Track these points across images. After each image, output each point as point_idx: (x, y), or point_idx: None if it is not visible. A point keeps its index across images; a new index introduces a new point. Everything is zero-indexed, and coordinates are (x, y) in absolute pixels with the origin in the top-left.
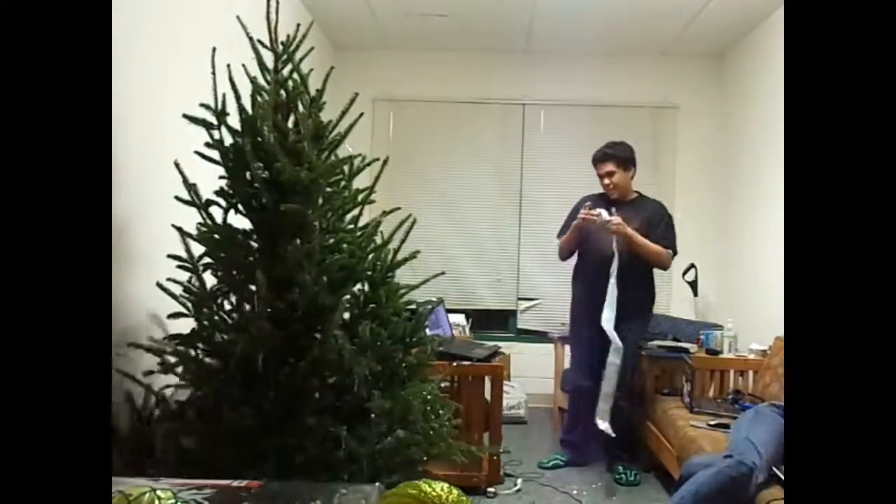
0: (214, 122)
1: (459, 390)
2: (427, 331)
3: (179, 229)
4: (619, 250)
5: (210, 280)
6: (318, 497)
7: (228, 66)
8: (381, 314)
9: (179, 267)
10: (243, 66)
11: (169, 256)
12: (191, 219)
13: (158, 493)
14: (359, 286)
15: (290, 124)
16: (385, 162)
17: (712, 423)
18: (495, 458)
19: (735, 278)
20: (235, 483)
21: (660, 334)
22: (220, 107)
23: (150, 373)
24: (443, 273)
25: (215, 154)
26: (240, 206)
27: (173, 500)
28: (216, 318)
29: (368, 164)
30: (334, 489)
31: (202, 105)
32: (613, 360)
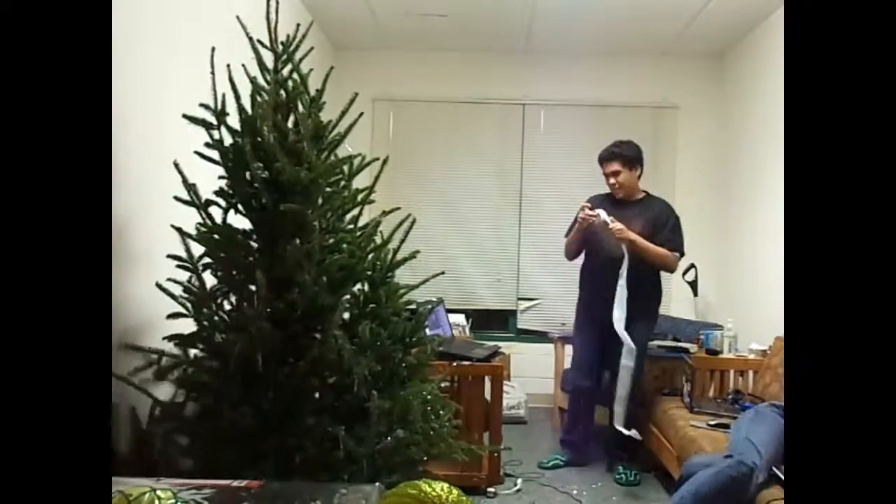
0: (214, 122)
1: (459, 390)
2: (427, 331)
3: (179, 229)
4: (630, 251)
5: (210, 280)
6: (318, 497)
7: (228, 66)
8: (381, 314)
9: (179, 267)
10: (243, 66)
11: (169, 256)
12: (191, 219)
13: (158, 493)
14: (359, 286)
15: (289, 124)
16: (385, 162)
17: (712, 423)
18: (495, 455)
19: (735, 278)
20: (235, 483)
21: (660, 334)
22: (219, 107)
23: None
24: (443, 273)
25: (215, 154)
26: (239, 206)
27: (173, 500)
28: (216, 318)
29: (368, 164)
30: (334, 489)
31: (202, 105)
32: (627, 362)
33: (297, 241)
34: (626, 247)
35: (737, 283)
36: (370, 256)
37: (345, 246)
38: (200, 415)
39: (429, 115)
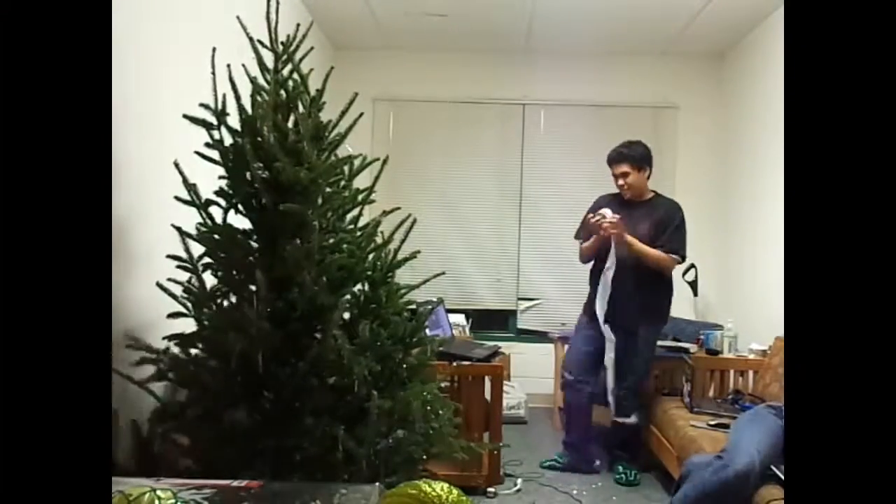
0: (214, 122)
1: (459, 390)
2: (427, 331)
3: (179, 229)
4: (618, 246)
5: (210, 280)
6: (317, 497)
7: (228, 66)
8: (381, 314)
9: (179, 267)
10: (243, 66)
11: (169, 256)
12: (191, 219)
13: (158, 493)
14: (359, 286)
15: (289, 124)
16: (385, 162)
17: (712, 423)
18: (495, 455)
19: (735, 278)
20: (235, 483)
21: (660, 334)
22: (220, 107)
23: (150, 370)
24: (443, 273)
25: (215, 154)
26: (240, 206)
27: (173, 500)
28: (216, 318)
29: (368, 164)
30: (334, 489)
31: (202, 105)
32: (611, 354)
33: (297, 240)
34: (616, 245)
35: (737, 283)
36: (370, 256)
37: (345, 246)
38: (200, 414)
39: (429, 115)
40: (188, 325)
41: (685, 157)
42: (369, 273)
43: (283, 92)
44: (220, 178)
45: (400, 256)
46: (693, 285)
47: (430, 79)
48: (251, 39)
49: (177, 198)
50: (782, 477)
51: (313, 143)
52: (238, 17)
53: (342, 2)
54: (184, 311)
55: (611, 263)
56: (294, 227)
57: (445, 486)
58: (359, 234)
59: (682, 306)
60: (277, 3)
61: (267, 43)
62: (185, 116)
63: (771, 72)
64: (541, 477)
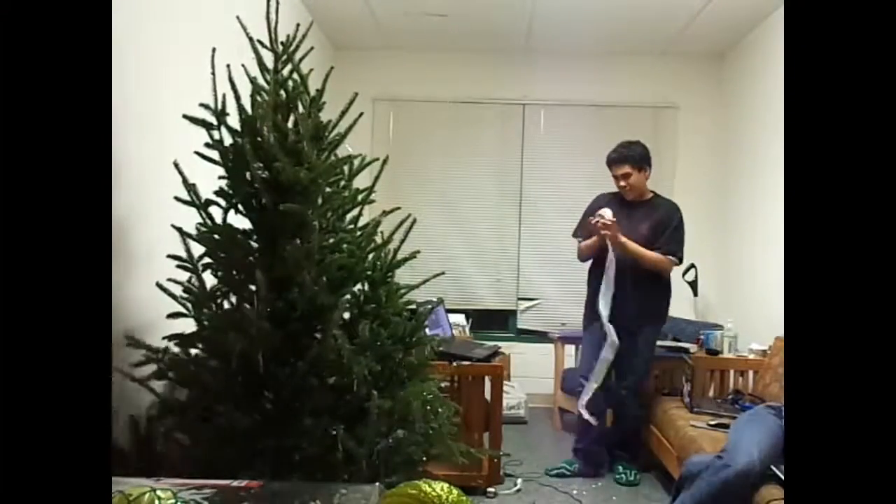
0: (214, 122)
1: (459, 390)
2: (427, 331)
3: (179, 229)
4: (615, 248)
5: (210, 280)
6: (317, 497)
7: (228, 66)
8: (381, 314)
9: (179, 267)
10: (243, 66)
11: (169, 256)
12: (191, 219)
13: (158, 493)
14: (359, 286)
15: (289, 124)
16: (385, 162)
17: (712, 423)
18: (495, 458)
19: (735, 278)
20: (235, 483)
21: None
22: (219, 107)
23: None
24: (443, 273)
25: (215, 154)
26: (239, 206)
27: (173, 500)
28: (216, 318)
29: (368, 164)
30: (334, 489)
31: (202, 105)
32: (606, 355)
33: (297, 240)
34: (612, 246)
35: (737, 283)
36: (370, 256)
37: (345, 246)
38: (200, 414)
39: (429, 115)
40: (188, 325)
41: (685, 157)
42: (369, 273)
43: (283, 92)
44: (220, 178)
45: (400, 256)
46: (693, 285)
47: (430, 79)
48: (251, 39)
49: (177, 198)
50: (782, 477)
51: (313, 143)
52: (238, 17)
53: (342, 2)
54: (184, 311)
55: (610, 263)
56: (294, 227)
57: (445, 486)
58: (359, 234)
59: (682, 306)
60: (277, 3)
61: (267, 43)
62: (185, 116)
63: (771, 72)
64: (541, 477)
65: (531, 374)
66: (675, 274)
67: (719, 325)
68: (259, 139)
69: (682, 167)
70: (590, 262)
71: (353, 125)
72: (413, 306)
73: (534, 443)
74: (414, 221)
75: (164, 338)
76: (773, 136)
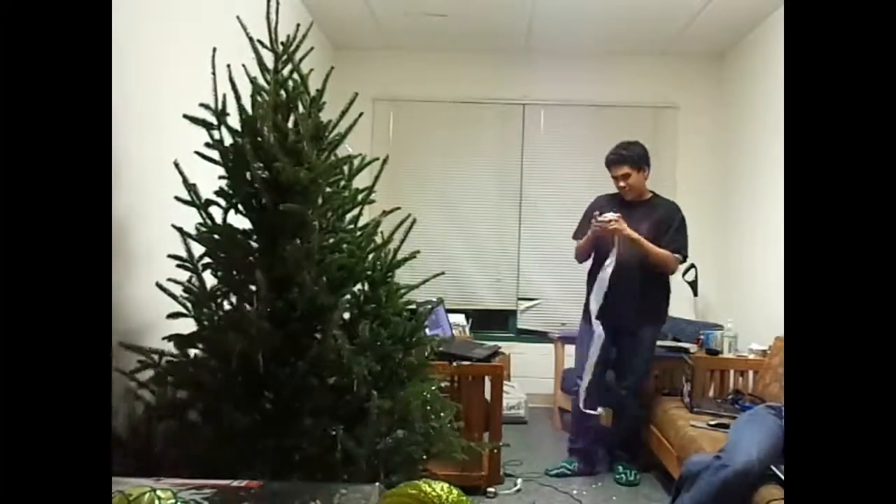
0: (214, 122)
1: (459, 390)
2: (427, 331)
3: (179, 229)
4: (620, 246)
5: (210, 280)
6: (317, 497)
7: (228, 66)
8: (381, 314)
9: (179, 267)
10: (243, 66)
11: (169, 256)
12: (191, 219)
13: (158, 493)
14: (359, 286)
15: (289, 124)
16: (385, 162)
17: (712, 423)
18: (495, 454)
19: (735, 278)
20: (235, 483)
21: (660, 334)
22: (220, 107)
23: (146, 370)
24: (443, 273)
25: (215, 154)
26: (240, 206)
27: (173, 500)
28: (216, 318)
29: (368, 164)
30: (334, 489)
31: (202, 105)
32: (593, 349)
33: (297, 240)
34: (623, 242)
35: (737, 283)
36: (370, 256)
37: (345, 246)
38: (200, 414)
39: (429, 115)
40: (188, 326)
41: (685, 157)
42: (369, 273)
43: (283, 92)
44: (220, 178)
45: (400, 256)
46: (693, 285)
47: (430, 79)
48: (251, 39)
49: (177, 198)
50: (782, 477)
51: (313, 143)
52: (238, 17)
53: (342, 2)
54: (184, 311)
55: (610, 262)
56: (294, 227)
57: (445, 486)
58: (359, 234)
59: (682, 306)
60: (277, 3)
61: (267, 43)
62: (185, 116)
63: (771, 72)
64: (541, 477)
65: (531, 374)
66: (675, 274)
67: (719, 325)
68: (259, 139)
69: (682, 167)
70: (590, 263)
71: (353, 125)
72: (413, 306)
73: (534, 443)
74: (414, 221)
75: (164, 338)
76: (773, 136)
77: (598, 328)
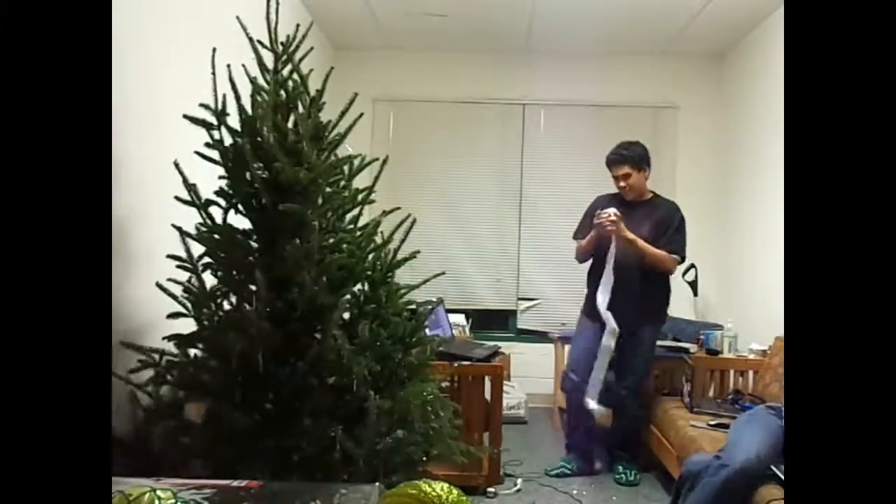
0: (214, 122)
1: (459, 390)
2: (427, 331)
3: (179, 229)
4: (618, 244)
5: (210, 280)
6: (317, 497)
7: (228, 66)
8: (381, 314)
9: (179, 267)
10: (243, 66)
11: (169, 256)
12: (191, 219)
13: (158, 493)
14: (359, 286)
15: (289, 124)
16: (385, 162)
17: (712, 423)
18: (495, 456)
19: (735, 278)
20: (235, 483)
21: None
22: (219, 107)
23: (149, 370)
24: (443, 273)
25: (215, 154)
26: (239, 206)
27: (173, 500)
28: (216, 318)
29: (368, 164)
30: (334, 489)
31: (202, 105)
32: (608, 342)
33: (297, 240)
34: (616, 243)
35: (737, 283)
36: (370, 256)
37: (345, 246)
38: (200, 414)
39: (429, 115)
40: (188, 326)
41: (685, 157)
42: (369, 273)
43: (282, 92)
44: (220, 178)
45: (400, 256)
46: (693, 285)
47: (430, 79)
48: (251, 39)
49: (177, 198)
50: (782, 477)
51: (313, 143)
52: (238, 17)
53: (342, 2)
54: (184, 311)
55: (610, 258)
56: (294, 227)
57: (445, 486)
58: (359, 234)
59: (682, 306)
60: (277, 3)
61: (267, 43)
62: (185, 116)
63: (771, 72)
64: (541, 477)
65: (531, 374)
66: (675, 274)
67: (719, 325)
68: (259, 139)
69: (682, 167)
70: (590, 263)
71: (353, 125)
72: (413, 306)
73: (534, 443)
74: (414, 221)
75: (164, 338)
76: (773, 136)
77: (610, 321)
